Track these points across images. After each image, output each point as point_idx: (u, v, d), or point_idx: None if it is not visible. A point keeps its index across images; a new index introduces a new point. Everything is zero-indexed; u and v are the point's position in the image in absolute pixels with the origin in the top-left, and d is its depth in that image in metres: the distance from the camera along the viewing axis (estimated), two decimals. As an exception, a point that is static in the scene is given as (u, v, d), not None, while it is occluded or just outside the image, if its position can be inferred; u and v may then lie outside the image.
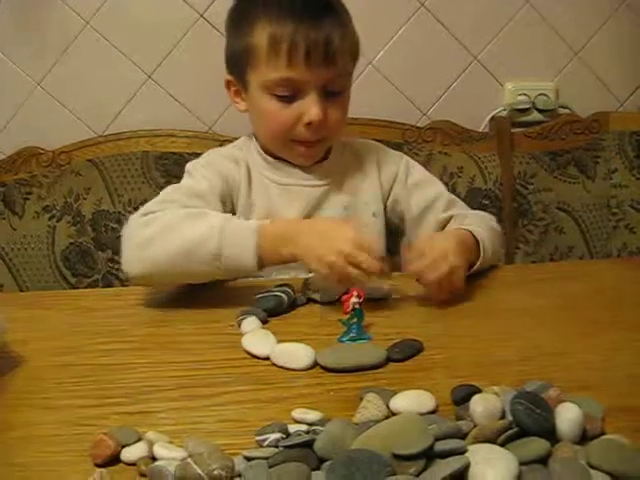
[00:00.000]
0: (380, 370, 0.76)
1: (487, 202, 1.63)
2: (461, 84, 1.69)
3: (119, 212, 1.56)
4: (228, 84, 1.15)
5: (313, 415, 0.65)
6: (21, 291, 1.55)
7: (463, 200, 1.42)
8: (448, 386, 0.70)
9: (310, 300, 0.96)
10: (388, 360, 0.78)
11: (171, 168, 1.56)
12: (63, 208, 1.55)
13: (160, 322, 0.92)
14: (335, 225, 0.96)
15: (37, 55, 1.58)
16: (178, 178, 1.53)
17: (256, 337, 0.82)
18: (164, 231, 0.94)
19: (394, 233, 1.19)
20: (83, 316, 0.95)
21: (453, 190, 1.54)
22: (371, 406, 0.65)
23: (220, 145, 1.56)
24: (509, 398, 0.61)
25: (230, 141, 1.56)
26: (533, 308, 0.93)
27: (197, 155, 1.54)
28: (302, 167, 1.13)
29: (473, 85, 1.69)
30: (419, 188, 1.17)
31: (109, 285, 1.56)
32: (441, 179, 1.57)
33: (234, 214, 1.09)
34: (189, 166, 1.15)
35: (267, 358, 0.79)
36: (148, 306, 0.97)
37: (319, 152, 1.13)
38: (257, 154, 1.15)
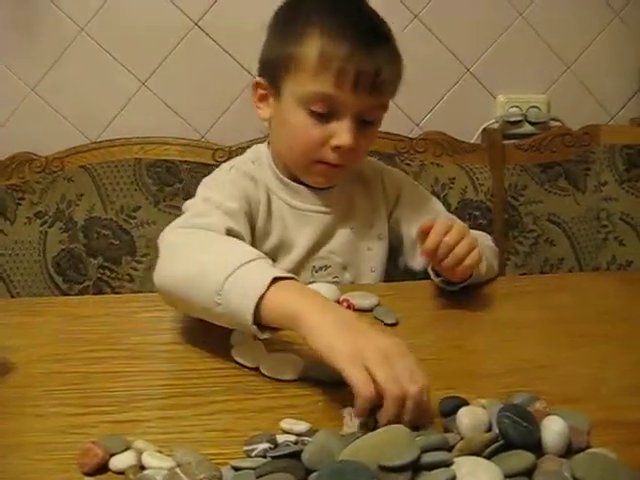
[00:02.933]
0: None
1: (478, 213, 1.63)
2: (453, 96, 1.70)
3: (111, 219, 1.55)
4: (256, 86, 1.09)
5: (301, 426, 0.66)
6: (12, 297, 1.55)
7: (454, 212, 1.44)
8: (436, 397, 0.70)
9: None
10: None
11: (163, 176, 1.57)
12: (55, 214, 1.55)
13: (150, 331, 0.92)
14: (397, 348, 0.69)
15: (31, 61, 1.58)
16: (170, 186, 1.57)
17: (245, 347, 0.82)
18: (189, 249, 0.86)
19: (390, 255, 1.19)
20: (73, 323, 0.95)
21: (444, 201, 1.55)
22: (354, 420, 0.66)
23: (213, 154, 1.59)
24: (496, 411, 0.62)
25: (223, 150, 1.60)
26: (521, 320, 0.94)
27: (190, 163, 1.58)
28: (314, 191, 1.09)
29: (465, 97, 1.70)
30: (419, 208, 1.17)
31: (100, 292, 1.55)
32: (433, 190, 1.59)
33: (253, 235, 1.05)
34: (210, 181, 1.08)
35: (256, 368, 0.79)
36: (138, 314, 0.97)
37: (339, 176, 1.09)
38: (271, 172, 1.11)
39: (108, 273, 1.56)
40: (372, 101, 1.01)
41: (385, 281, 1.15)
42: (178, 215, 1.02)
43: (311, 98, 0.99)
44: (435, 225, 0.93)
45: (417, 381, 0.65)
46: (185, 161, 1.58)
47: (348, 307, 0.83)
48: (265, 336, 0.76)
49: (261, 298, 0.73)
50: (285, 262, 1.08)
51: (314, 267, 1.10)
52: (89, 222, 1.55)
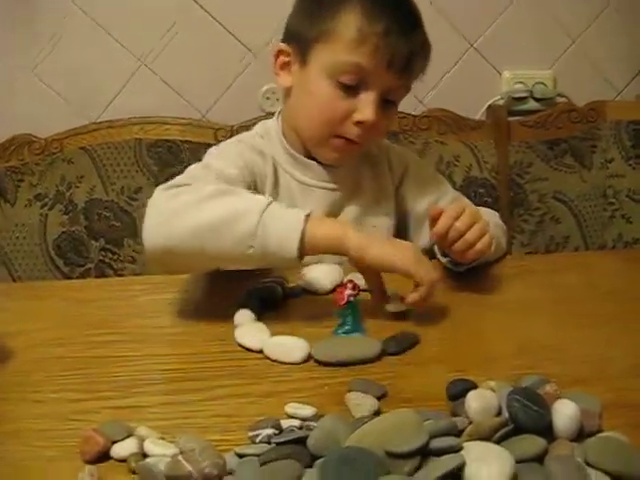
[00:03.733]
0: (375, 364, 0.75)
1: (483, 191, 1.62)
2: (458, 72, 1.68)
3: (112, 200, 1.54)
4: (278, 53, 1.06)
5: (306, 410, 0.64)
6: (13, 280, 1.54)
7: (459, 189, 1.42)
8: (444, 380, 0.69)
9: (305, 291, 0.95)
10: (383, 353, 0.77)
11: (164, 156, 1.55)
12: (55, 196, 1.53)
13: (152, 313, 0.90)
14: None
15: (29, 41, 1.55)
16: (172, 167, 1.55)
17: (249, 330, 0.81)
18: (193, 204, 0.83)
19: (396, 232, 1.17)
20: (74, 307, 0.94)
21: (449, 179, 1.53)
22: (361, 402, 0.65)
23: (215, 133, 1.57)
24: (505, 394, 0.60)
25: (224, 129, 1.58)
26: (528, 300, 0.92)
27: (191, 143, 1.56)
28: (323, 167, 1.08)
29: (470, 73, 1.68)
30: (425, 186, 1.16)
31: (102, 274, 1.54)
32: (437, 168, 1.57)
33: None
34: (215, 151, 1.08)
35: (260, 351, 0.78)
36: (139, 297, 0.96)
37: (353, 154, 1.08)
38: (280, 146, 1.09)
39: (110, 255, 1.54)
40: (400, 81, 1.01)
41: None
42: None
43: (344, 68, 0.98)
44: (446, 209, 0.92)
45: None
46: (186, 141, 1.56)
47: (353, 288, 0.81)
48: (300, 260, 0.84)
49: (303, 232, 0.82)
50: None
51: None
52: (90, 204, 1.54)
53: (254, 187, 1.03)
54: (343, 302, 0.82)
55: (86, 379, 0.74)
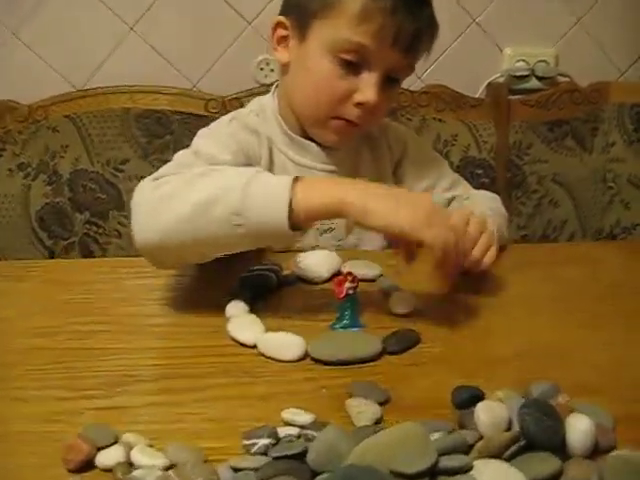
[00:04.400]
0: (375, 363, 0.72)
1: (480, 172, 1.58)
2: (458, 47, 1.63)
3: (97, 172, 1.49)
4: (277, 26, 1.00)
5: (305, 417, 0.60)
6: (-6, 253, 1.49)
7: (456, 170, 1.38)
8: (448, 385, 0.65)
9: (300, 280, 0.91)
10: (383, 352, 0.73)
11: (153, 127, 1.49)
12: (39, 166, 1.48)
13: (139, 300, 0.86)
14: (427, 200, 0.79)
15: (13, 3, 1.48)
16: (160, 138, 1.50)
17: (242, 323, 0.77)
18: (178, 190, 0.77)
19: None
20: (57, 291, 0.89)
21: (446, 159, 1.48)
22: (363, 410, 0.61)
23: (205, 104, 1.51)
24: (516, 406, 0.57)
25: (216, 100, 1.52)
26: (529, 297, 0.88)
27: (181, 114, 1.51)
28: (321, 148, 1.03)
29: (471, 49, 1.63)
30: (423, 168, 1.12)
31: (86, 248, 1.50)
32: (434, 147, 1.53)
33: None
34: (207, 132, 1.00)
35: (254, 346, 0.74)
36: (127, 281, 0.91)
37: (353, 136, 1.03)
38: (276, 125, 1.04)
39: (95, 229, 1.50)
40: (405, 60, 0.96)
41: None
42: None
43: (344, 46, 0.93)
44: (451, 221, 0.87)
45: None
46: (176, 111, 1.51)
47: (352, 281, 0.78)
48: (297, 233, 0.76)
49: (291, 200, 0.73)
50: None
51: (318, 230, 1.04)
52: (74, 175, 1.49)
53: None
54: (342, 296, 0.78)
55: (70, 374, 0.70)
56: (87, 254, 1.49)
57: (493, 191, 1.32)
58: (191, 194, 0.76)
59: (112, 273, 0.94)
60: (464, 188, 1.13)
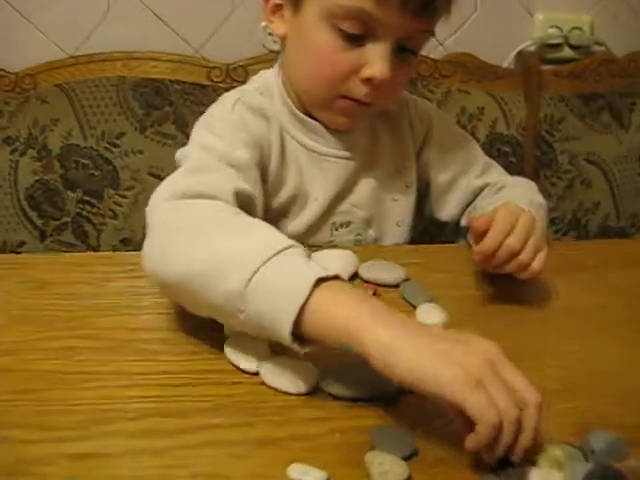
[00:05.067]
0: (401, 399, 0.60)
1: (508, 149, 1.46)
2: (485, 12, 1.50)
3: (91, 147, 1.37)
4: None
5: (315, 474, 0.50)
6: (-18, 234, 1.38)
7: (482, 147, 1.25)
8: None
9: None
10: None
11: (151, 98, 1.38)
12: (27, 140, 1.36)
13: (125, 309, 0.75)
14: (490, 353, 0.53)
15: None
16: (159, 110, 1.38)
17: (243, 343, 0.65)
18: (195, 233, 0.64)
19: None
20: (33, 295, 0.78)
21: (472, 134, 1.36)
22: (387, 469, 0.50)
23: (208, 73, 1.39)
24: (579, 474, 0.46)
25: (219, 68, 1.40)
26: (578, 311, 0.76)
27: (181, 83, 1.38)
28: (335, 131, 0.90)
29: (499, 14, 1.50)
30: (451, 151, 0.98)
31: (80, 229, 1.38)
32: (458, 121, 1.41)
33: (263, 189, 0.85)
34: (208, 121, 0.85)
35: (256, 373, 0.63)
36: (113, 282, 0.80)
37: (365, 117, 0.90)
38: (284, 106, 0.90)
39: (89, 208, 1.38)
40: (418, 25, 0.80)
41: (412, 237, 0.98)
42: (166, 145, 0.84)
43: (341, 13, 0.78)
44: (495, 222, 0.75)
45: (533, 395, 0.51)
46: (176, 80, 1.39)
47: (374, 293, 0.66)
48: (306, 350, 0.59)
49: (303, 307, 0.56)
50: (301, 218, 0.91)
51: (334, 224, 0.93)
52: (66, 150, 1.37)
53: (261, 161, 0.85)
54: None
55: (38, 407, 0.59)
56: (80, 235, 1.39)
57: (520, 170, 1.21)
58: (201, 249, 0.62)
59: (95, 272, 0.83)
60: (497, 174, 1.00)
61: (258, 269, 0.57)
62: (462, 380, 0.50)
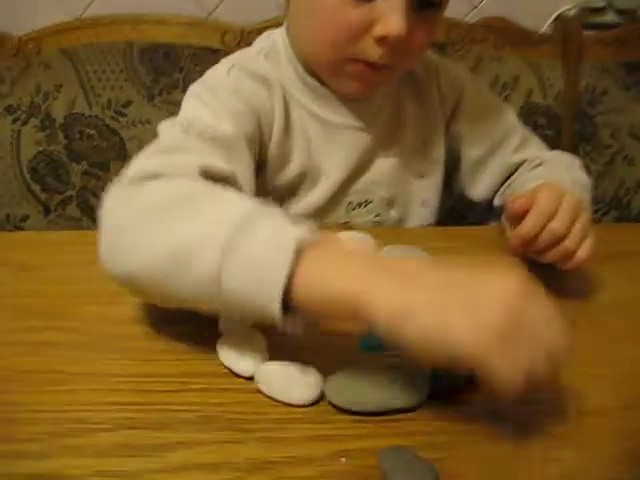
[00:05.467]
0: (418, 413, 0.51)
1: (544, 122, 1.35)
2: (522, -29, 1.38)
3: (96, 116, 1.29)
4: None
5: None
6: (-17, 207, 1.31)
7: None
8: (516, 457, 0.45)
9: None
10: (431, 395, 0.52)
11: (160, 63, 1.29)
12: (29, 109, 1.28)
13: (113, 297, 0.66)
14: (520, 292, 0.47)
15: None
16: (168, 77, 1.29)
17: (238, 342, 0.57)
18: (150, 219, 0.54)
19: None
20: (14, 278, 0.70)
21: (505, 105, 1.26)
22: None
23: (222, 37, 1.30)
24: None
25: (233, 31, 1.30)
26: (631, 311, 0.66)
27: (192, 48, 1.29)
28: (349, 99, 0.80)
29: (538, -27, 1.38)
30: (485, 120, 0.88)
31: (85, 202, 1.31)
32: (491, 91, 1.30)
33: (263, 168, 0.77)
34: (200, 88, 0.76)
35: (251, 377, 0.54)
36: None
37: (381, 82, 0.79)
38: (291, 69, 0.81)
39: (94, 181, 1.31)
40: None
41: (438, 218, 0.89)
42: (176, 114, 0.76)
43: None
44: (537, 203, 0.66)
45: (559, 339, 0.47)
46: (187, 45, 1.30)
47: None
48: (299, 331, 0.51)
49: (289, 280, 0.48)
50: (311, 197, 0.82)
51: (350, 203, 0.83)
52: (70, 119, 1.29)
53: (258, 134, 0.75)
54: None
55: (4, 412, 0.51)
56: (86, 210, 1.31)
57: (557, 144, 1.11)
58: (161, 233, 0.53)
59: (86, 252, 0.74)
60: (536, 148, 0.90)
61: (228, 246, 0.49)
62: (484, 343, 0.44)
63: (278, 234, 0.50)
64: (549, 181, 0.70)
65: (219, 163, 0.64)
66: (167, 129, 0.70)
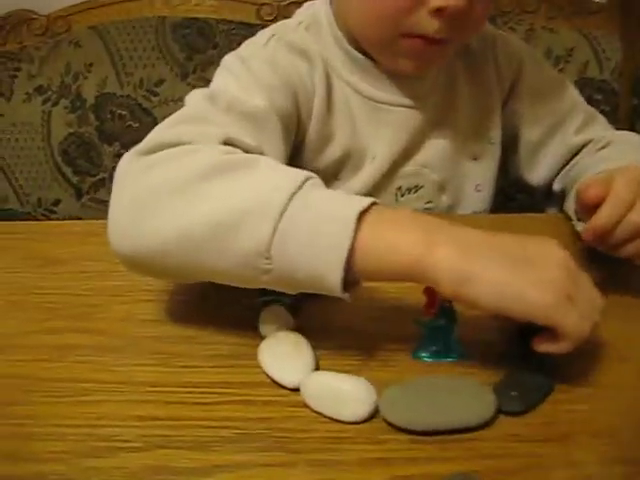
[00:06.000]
0: (486, 432, 0.45)
1: (600, 97, 1.26)
2: None
3: (128, 95, 1.24)
4: None
5: None
6: (14, 192, 1.27)
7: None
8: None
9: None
10: (499, 412, 0.46)
11: (193, 39, 1.23)
12: (60, 89, 1.23)
13: (140, 294, 0.61)
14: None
15: None
16: (202, 53, 1.24)
17: (281, 348, 0.51)
18: (181, 187, 0.50)
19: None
20: (36, 272, 0.66)
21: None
22: None
23: (258, 11, 1.24)
24: None
25: (270, 5, 1.24)
26: None
27: (227, 23, 1.24)
28: (398, 75, 0.73)
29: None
30: (545, 97, 0.80)
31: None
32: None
33: (300, 149, 0.72)
34: (233, 59, 0.71)
35: (296, 389, 0.49)
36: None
37: (437, 59, 0.72)
38: (335, 43, 0.74)
39: (127, 164, 1.26)
40: None
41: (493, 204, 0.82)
42: None
43: None
44: (614, 191, 0.58)
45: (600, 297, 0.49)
46: (221, 20, 1.23)
47: (430, 303, 0.51)
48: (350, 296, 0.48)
49: (350, 249, 0.46)
50: (356, 181, 0.75)
51: (399, 188, 0.77)
52: (101, 99, 1.24)
53: (295, 111, 0.69)
54: (433, 309, 0.51)
55: (14, 427, 0.46)
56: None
57: (613, 121, 1.03)
58: (192, 206, 0.49)
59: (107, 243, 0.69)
60: (601, 127, 0.82)
61: (281, 216, 0.47)
62: (554, 301, 0.46)
63: (335, 203, 0.48)
64: (628, 166, 0.62)
65: (245, 138, 0.59)
66: (193, 99, 0.65)
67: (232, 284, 0.51)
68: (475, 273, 0.45)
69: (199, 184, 0.49)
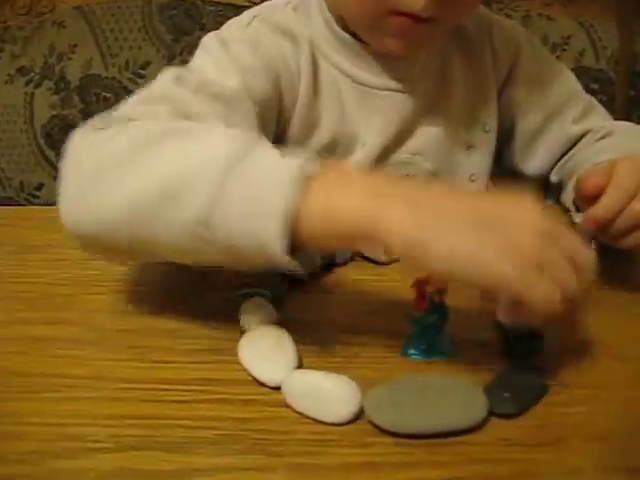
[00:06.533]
0: (477, 435, 0.43)
1: (596, 87, 1.24)
2: None
3: (114, 77, 1.20)
4: None
5: None
6: (-5, 174, 1.25)
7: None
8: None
9: (356, 258, 0.62)
10: (491, 414, 0.44)
11: (181, 21, 1.20)
12: (43, 70, 1.20)
13: (116, 285, 0.59)
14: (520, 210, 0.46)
15: None
16: (189, 35, 1.21)
17: (261, 344, 0.49)
18: (124, 156, 0.49)
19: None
20: (18, 259, 0.64)
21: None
22: None
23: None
24: None
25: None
26: None
27: (215, 4, 1.21)
28: (389, 58, 0.70)
29: None
30: (544, 84, 0.78)
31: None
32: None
33: (283, 137, 0.69)
34: (212, 40, 0.67)
35: (277, 387, 0.46)
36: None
37: (426, 39, 0.69)
38: (323, 23, 0.70)
39: (112, 148, 1.23)
40: None
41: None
42: None
43: None
44: (615, 180, 0.56)
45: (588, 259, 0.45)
46: (209, 1, 1.21)
47: (421, 297, 0.49)
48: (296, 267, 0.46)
49: (292, 212, 0.44)
50: None
51: (394, 167, 0.74)
52: (86, 81, 1.21)
53: (276, 95, 0.66)
54: (423, 306, 0.49)
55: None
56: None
57: (611, 111, 1.00)
58: (135, 174, 0.48)
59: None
60: (601, 117, 0.80)
61: (219, 183, 0.45)
62: (515, 267, 0.42)
63: (275, 165, 0.46)
64: (629, 155, 0.60)
65: (210, 117, 0.57)
66: (162, 78, 0.62)
67: (183, 261, 0.50)
68: (427, 236, 0.43)
69: (145, 152, 0.49)
